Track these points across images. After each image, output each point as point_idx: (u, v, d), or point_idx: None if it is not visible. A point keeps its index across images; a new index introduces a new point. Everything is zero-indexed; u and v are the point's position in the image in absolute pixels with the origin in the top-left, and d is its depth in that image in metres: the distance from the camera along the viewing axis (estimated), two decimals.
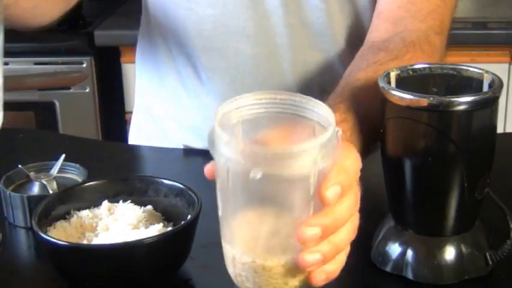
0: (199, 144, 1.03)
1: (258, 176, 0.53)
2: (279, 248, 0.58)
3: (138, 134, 1.15)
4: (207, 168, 0.58)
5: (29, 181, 0.84)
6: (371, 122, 0.72)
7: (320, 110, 0.58)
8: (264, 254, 0.58)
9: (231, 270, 0.61)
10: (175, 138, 1.08)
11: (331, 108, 0.60)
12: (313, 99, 0.59)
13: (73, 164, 0.86)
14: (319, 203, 0.56)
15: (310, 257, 0.56)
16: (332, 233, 0.57)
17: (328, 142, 0.54)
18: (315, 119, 0.58)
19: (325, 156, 0.54)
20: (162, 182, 0.76)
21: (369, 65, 0.83)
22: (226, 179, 0.56)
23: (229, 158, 0.54)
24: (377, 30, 0.92)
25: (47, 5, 0.93)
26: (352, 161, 0.59)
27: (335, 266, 0.59)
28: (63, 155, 0.85)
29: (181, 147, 1.06)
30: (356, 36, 0.98)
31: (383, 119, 0.69)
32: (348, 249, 0.60)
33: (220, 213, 0.59)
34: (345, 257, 0.60)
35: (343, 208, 0.57)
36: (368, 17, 0.97)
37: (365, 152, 0.72)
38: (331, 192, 0.55)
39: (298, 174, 0.54)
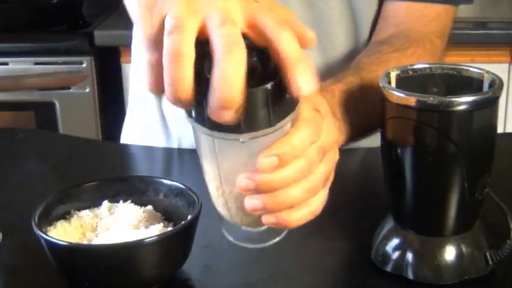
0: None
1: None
2: None
3: (131, 135, 1.14)
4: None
5: None
6: (366, 106, 0.75)
7: None
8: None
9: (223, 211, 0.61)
10: (170, 140, 1.07)
11: (324, 89, 0.67)
12: None
13: None
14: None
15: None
16: (292, 159, 0.55)
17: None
18: None
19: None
20: (162, 182, 0.76)
21: (372, 54, 0.89)
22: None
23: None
24: (381, 33, 0.97)
25: None
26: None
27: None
28: None
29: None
30: (354, 37, 1.00)
31: (383, 119, 0.69)
32: (327, 189, 0.60)
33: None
34: (324, 197, 0.59)
35: (299, 136, 0.55)
36: (365, 18, 0.99)
37: (352, 134, 0.76)
38: (266, 161, 0.54)
39: None
